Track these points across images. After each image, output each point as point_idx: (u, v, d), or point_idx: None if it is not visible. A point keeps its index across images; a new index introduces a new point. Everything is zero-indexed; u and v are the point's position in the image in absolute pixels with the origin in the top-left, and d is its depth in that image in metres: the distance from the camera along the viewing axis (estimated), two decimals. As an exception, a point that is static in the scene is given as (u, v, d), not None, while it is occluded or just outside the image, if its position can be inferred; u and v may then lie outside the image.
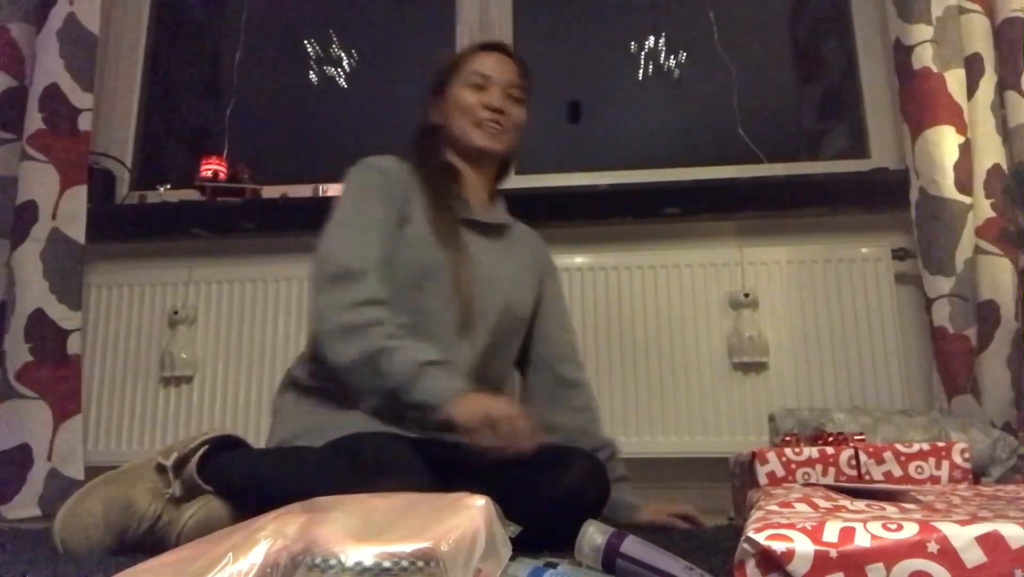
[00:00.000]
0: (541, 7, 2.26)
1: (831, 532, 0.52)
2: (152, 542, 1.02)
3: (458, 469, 1.01)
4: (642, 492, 1.34)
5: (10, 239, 1.81)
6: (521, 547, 0.66)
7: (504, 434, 0.95)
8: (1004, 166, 1.67)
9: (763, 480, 1.19)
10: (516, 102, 1.29)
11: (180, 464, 1.05)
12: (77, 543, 1.00)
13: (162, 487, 1.05)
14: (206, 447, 1.05)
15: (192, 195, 2.00)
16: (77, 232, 1.84)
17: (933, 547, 0.50)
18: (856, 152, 2.04)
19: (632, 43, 2.30)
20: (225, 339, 1.89)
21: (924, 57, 1.70)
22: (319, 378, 1.15)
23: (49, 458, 1.75)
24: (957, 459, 1.16)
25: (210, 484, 1.03)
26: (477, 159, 1.28)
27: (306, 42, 2.40)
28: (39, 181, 1.81)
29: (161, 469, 1.06)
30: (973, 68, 1.70)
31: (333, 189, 2.03)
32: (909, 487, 0.86)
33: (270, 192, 2.01)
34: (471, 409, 0.97)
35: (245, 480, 1.03)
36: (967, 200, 1.66)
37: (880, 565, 0.50)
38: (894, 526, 0.52)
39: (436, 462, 1.00)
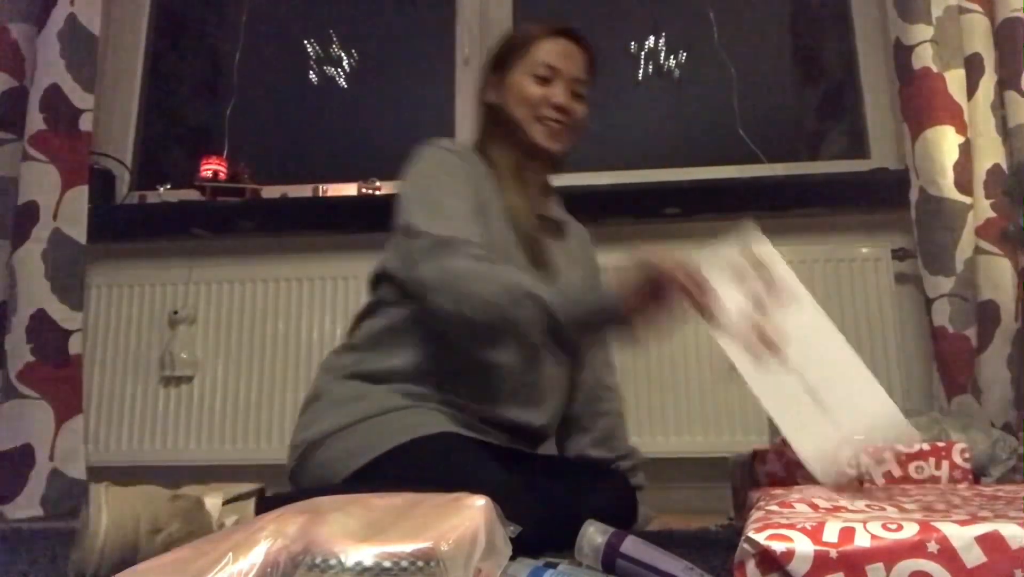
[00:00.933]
0: (541, 7, 2.26)
1: (831, 532, 0.52)
2: None
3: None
4: (642, 492, 1.34)
5: (11, 239, 1.81)
6: (521, 547, 0.66)
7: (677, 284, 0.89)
8: (1004, 166, 1.67)
9: (763, 480, 1.19)
10: (579, 99, 1.23)
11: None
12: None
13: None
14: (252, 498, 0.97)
15: (192, 195, 2.00)
16: (78, 232, 1.84)
17: (933, 547, 0.50)
18: (856, 152, 2.04)
19: (632, 43, 2.31)
20: (225, 339, 1.89)
21: (924, 57, 1.70)
22: (377, 366, 1.11)
23: (51, 458, 1.75)
24: (957, 459, 1.16)
25: None
26: (534, 154, 1.21)
27: (306, 42, 2.40)
28: (40, 181, 1.81)
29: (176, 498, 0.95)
30: (973, 68, 1.70)
31: (333, 189, 2.03)
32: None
33: (270, 192, 2.01)
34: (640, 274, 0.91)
35: None
36: (967, 200, 1.66)
37: (880, 565, 0.50)
38: (894, 526, 0.52)
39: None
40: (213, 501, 0.94)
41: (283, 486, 1.10)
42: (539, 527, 0.76)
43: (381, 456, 1.01)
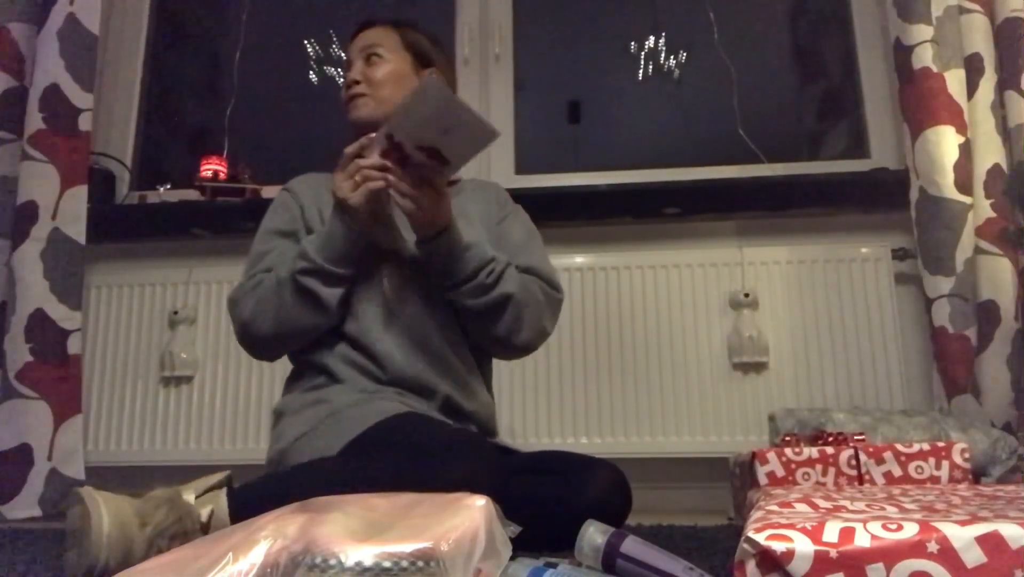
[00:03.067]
0: (541, 7, 2.26)
1: (831, 532, 0.52)
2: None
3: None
4: (642, 492, 1.33)
5: (10, 239, 1.81)
6: (521, 547, 0.66)
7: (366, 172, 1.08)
8: (1004, 166, 1.67)
9: (763, 480, 1.19)
10: (373, 61, 1.26)
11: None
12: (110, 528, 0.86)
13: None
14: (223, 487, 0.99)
15: (192, 195, 2.00)
16: (77, 232, 1.84)
17: (933, 547, 0.50)
18: (856, 152, 2.04)
19: (632, 43, 2.31)
20: (225, 339, 1.89)
21: (924, 57, 1.70)
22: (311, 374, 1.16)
23: (49, 458, 1.75)
24: (957, 459, 1.16)
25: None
26: (361, 132, 1.22)
27: (306, 42, 2.40)
28: (39, 181, 1.81)
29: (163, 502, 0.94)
30: (973, 68, 1.70)
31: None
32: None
33: (270, 192, 2.01)
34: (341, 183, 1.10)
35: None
36: (967, 200, 1.66)
37: (880, 565, 0.50)
38: (894, 526, 0.52)
39: None
40: (188, 496, 0.94)
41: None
42: (531, 521, 0.76)
43: (347, 445, 1.02)
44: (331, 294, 1.10)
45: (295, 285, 1.09)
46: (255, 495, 0.95)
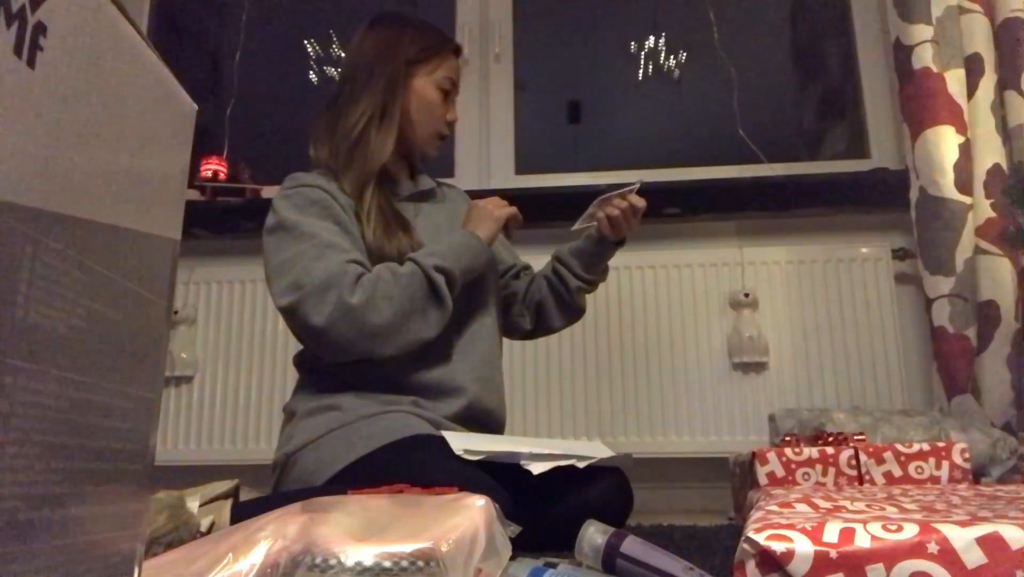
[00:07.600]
0: (541, 7, 2.26)
1: (831, 532, 0.52)
2: None
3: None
4: (642, 492, 1.34)
5: (10, 239, 1.81)
6: (521, 547, 0.66)
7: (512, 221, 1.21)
8: (1004, 166, 1.67)
9: (763, 480, 1.19)
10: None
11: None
12: None
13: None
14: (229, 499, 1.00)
15: (192, 195, 2.00)
16: (77, 232, 1.84)
17: (933, 548, 0.50)
18: (856, 152, 2.04)
19: (632, 43, 2.31)
20: (225, 339, 1.89)
21: (924, 57, 1.70)
22: (330, 385, 1.14)
23: (49, 458, 1.75)
24: (957, 459, 1.16)
25: None
26: (413, 154, 1.26)
27: (306, 42, 2.40)
28: (39, 181, 1.81)
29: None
30: (973, 68, 1.70)
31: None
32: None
33: (270, 192, 2.01)
34: (486, 220, 1.16)
35: None
36: (967, 200, 1.66)
37: (880, 566, 0.50)
38: (894, 527, 0.52)
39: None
40: (192, 503, 0.94)
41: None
42: (534, 524, 0.76)
43: (353, 464, 1.01)
44: (451, 301, 1.09)
45: (429, 281, 1.07)
46: (260, 512, 0.94)
